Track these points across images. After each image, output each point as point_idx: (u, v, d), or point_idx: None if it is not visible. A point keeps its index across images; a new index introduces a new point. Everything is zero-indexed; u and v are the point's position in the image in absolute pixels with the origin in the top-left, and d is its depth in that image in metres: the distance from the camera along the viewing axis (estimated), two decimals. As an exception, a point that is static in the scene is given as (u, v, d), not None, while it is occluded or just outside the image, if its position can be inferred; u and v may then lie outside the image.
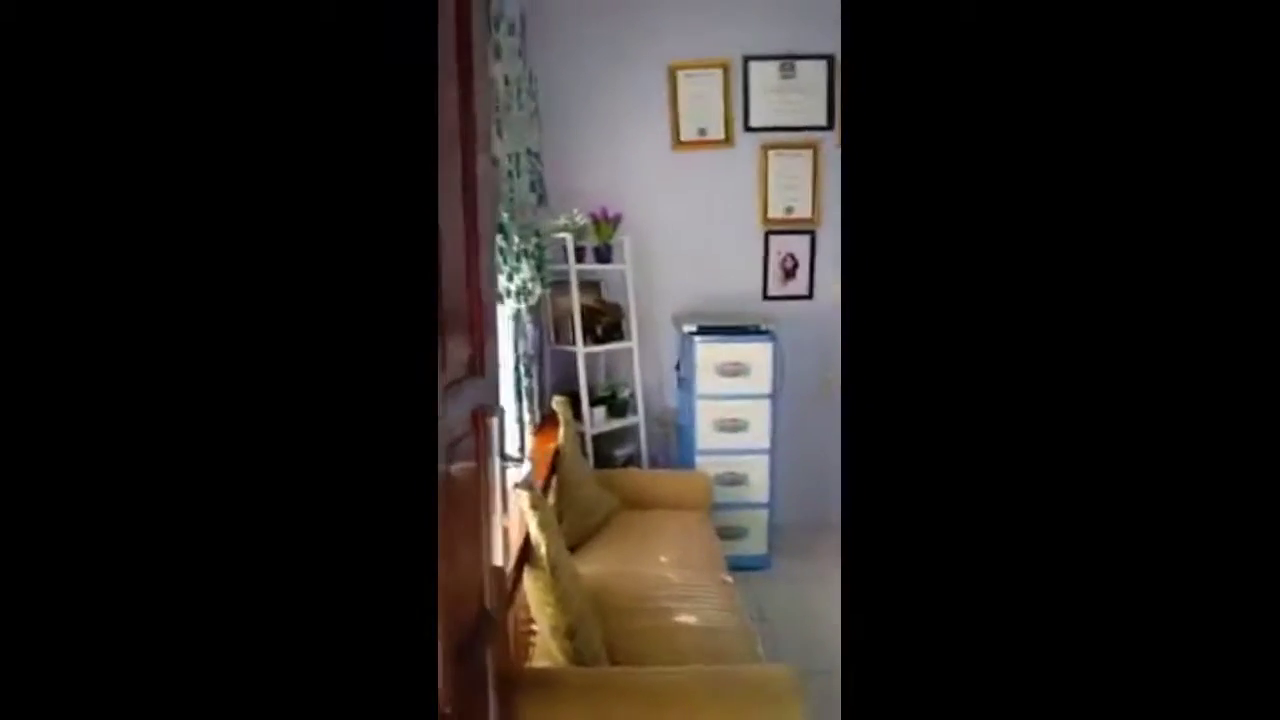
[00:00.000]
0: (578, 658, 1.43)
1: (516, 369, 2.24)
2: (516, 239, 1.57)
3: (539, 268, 2.10)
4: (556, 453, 2.12)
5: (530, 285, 2.07)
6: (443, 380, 0.76)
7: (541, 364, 2.72)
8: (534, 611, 1.46)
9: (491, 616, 1.01)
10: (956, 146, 0.44)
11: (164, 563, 0.41)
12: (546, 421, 2.32)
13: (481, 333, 0.96)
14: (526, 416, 2.27)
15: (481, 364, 0.96)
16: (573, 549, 2.00)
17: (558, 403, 2.22)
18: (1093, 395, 0.43)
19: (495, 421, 1.01)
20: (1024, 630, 0.43)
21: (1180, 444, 0.41)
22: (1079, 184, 0.43)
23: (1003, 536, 0.43)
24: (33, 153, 0.36)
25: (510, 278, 1.61)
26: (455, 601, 0.85)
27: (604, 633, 1.61)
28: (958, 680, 0.44)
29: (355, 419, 0.46)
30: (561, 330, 2.68)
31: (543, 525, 1.42)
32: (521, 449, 2.26)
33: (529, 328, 2.27)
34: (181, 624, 0.42)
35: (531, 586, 1.45)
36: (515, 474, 1.47)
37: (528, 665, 1.46)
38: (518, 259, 1.62)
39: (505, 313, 2.08)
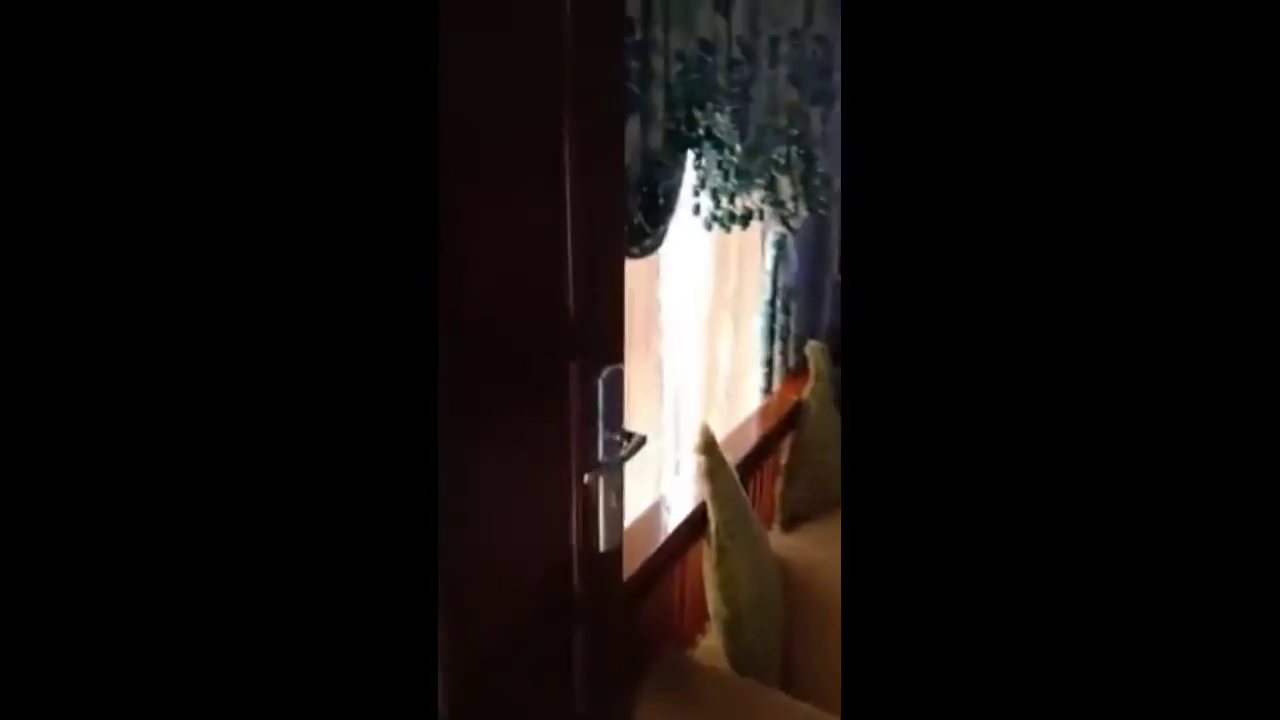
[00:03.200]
0: (738, 659, 1.21)
1: (771, 304, 1.96)
2: (738, 148, 1.26)
3: (804, 182, 1.74)
4: (798, 406, 1.82)
5: (792, 205, 1.74)
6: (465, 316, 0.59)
7: (817, 300, 2.36)
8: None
9: (578, 599, 0.86)
10: (961, 137, 0.42)
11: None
12: (802, 368, 2.01)
13: (568, 275, 0.75)
14: (777, 359, 2.00)
15: (580, 312, 0.76)
16: (795, 521, 1.73)
17: (813, 348, 1.89)
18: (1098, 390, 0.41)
19: (601, 383, 0.82)
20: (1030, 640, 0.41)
21: (1184, 441, 0.40)
22: (1089, 179, 0.41)
23: (1010, 540, 0.42)
24: (22, 147, 0.37)
25: (732, 199, 1.33)
26: (496, 582, 0.72)
27: (788, 633, 1.35)
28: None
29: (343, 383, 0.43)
30: (850, 262, 2.27)
31: (717, 495, 1.20)
32: (768, 391, 2.02)
33: (792, 255, 1.95)
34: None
35: (704, 564, 1.26)
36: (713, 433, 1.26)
37: (681, 654, 1.29)
38: (744, 174, 1.32)
39: (742, 239, 1.80)
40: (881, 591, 0.43)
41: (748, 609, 1.21)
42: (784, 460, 1.78)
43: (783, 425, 1.82)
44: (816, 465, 1.77)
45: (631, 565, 1.12)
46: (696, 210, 1.36)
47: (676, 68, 1.02)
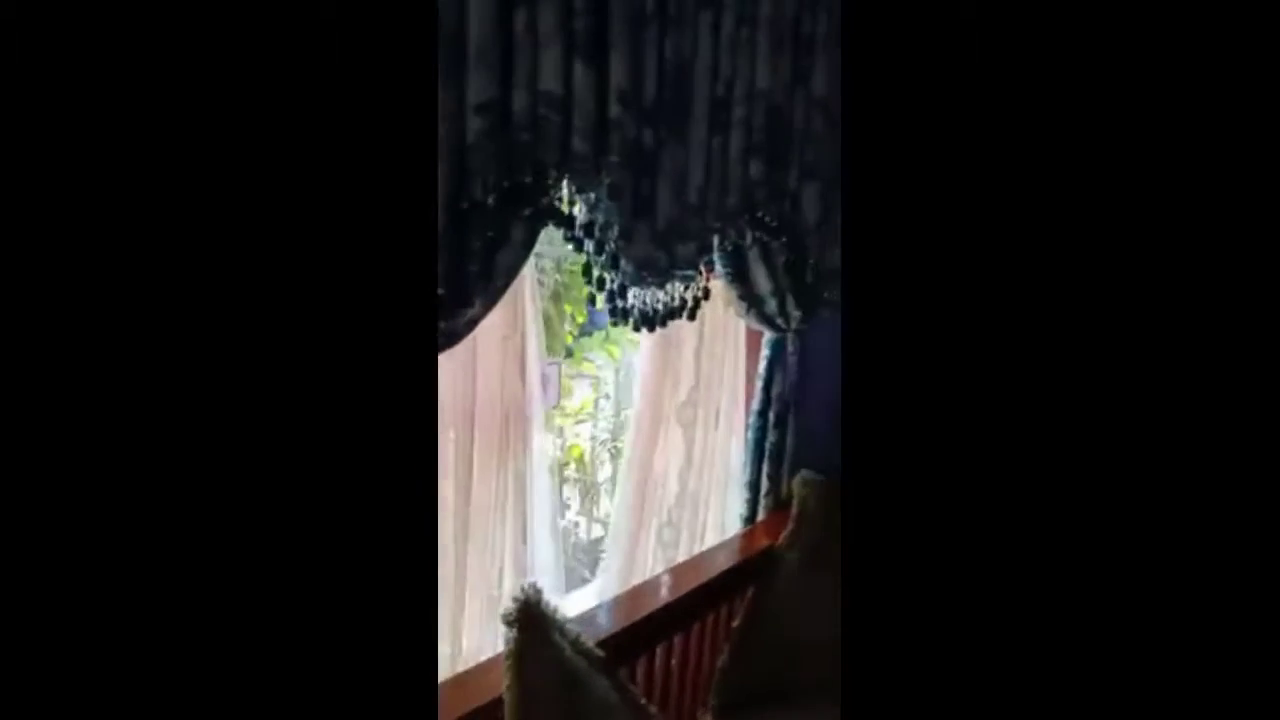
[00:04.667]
0: None
1: (762, 415, 1.60)
2: (617, 230, 0.97)
3: (792, 276, 1.39)
4: (766, 555, 1.42)
5: (775, 304, 1.41)
6: None
7: (826, 416, 1.93)
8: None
9: None
10: (963, 145, 0.43)
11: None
12: (787, 502, 1.61)
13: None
14: (764, 485, 1.61)
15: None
16: (734, 710, 1.32)
17: (802, 481, 1.48)
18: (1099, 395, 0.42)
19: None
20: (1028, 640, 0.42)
21: (1188, 443, 0.40)
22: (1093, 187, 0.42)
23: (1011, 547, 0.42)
24: (20, 144, 0.37)
25: (623, 293, 1.03)
26: None
27: None
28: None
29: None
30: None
31: (517, 695, 0.87)
32: (750, 519, 1.63)
33: (790, 360, 1.58)
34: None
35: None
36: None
37: None
38: (646, 265, 1.02)
39: (713, 331, 1.48)
40: None
41: None
42: (735, 623, 1.38)
43: (746, 572, 1.42)
44: (774, 641, 1.35)
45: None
46: (592, 301, 1.09)
47: (475, 124, 0.78)
